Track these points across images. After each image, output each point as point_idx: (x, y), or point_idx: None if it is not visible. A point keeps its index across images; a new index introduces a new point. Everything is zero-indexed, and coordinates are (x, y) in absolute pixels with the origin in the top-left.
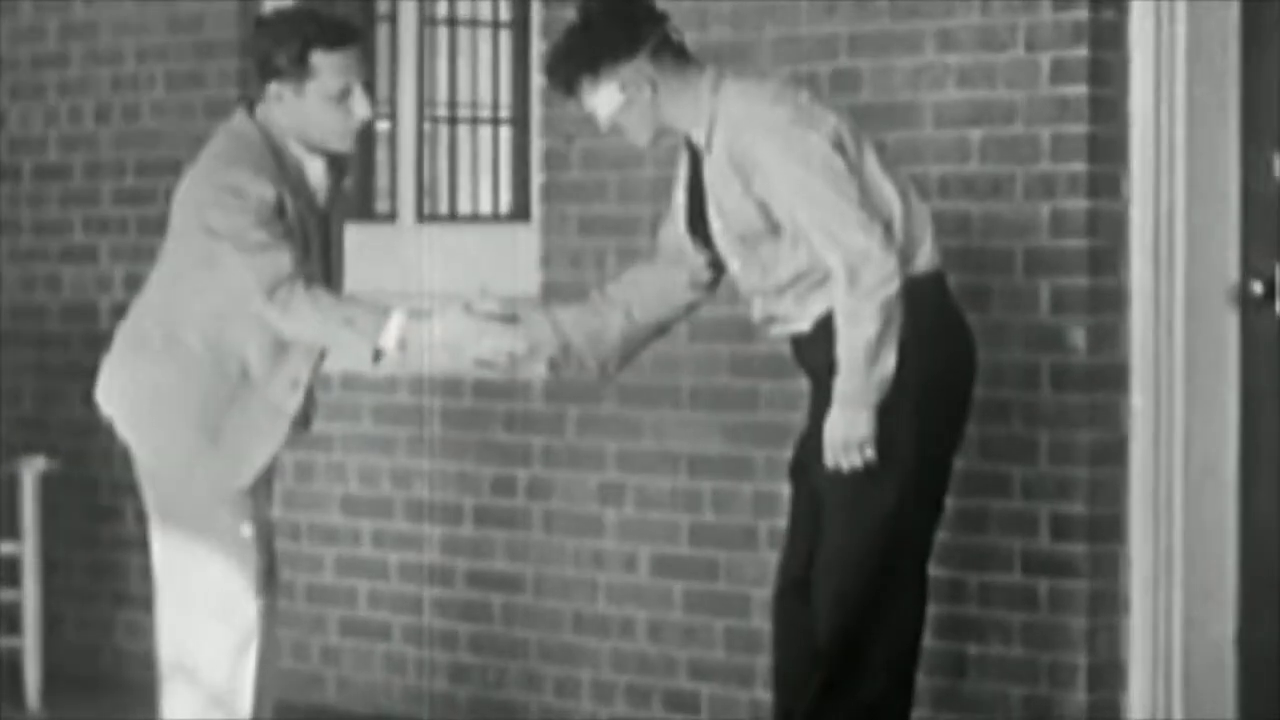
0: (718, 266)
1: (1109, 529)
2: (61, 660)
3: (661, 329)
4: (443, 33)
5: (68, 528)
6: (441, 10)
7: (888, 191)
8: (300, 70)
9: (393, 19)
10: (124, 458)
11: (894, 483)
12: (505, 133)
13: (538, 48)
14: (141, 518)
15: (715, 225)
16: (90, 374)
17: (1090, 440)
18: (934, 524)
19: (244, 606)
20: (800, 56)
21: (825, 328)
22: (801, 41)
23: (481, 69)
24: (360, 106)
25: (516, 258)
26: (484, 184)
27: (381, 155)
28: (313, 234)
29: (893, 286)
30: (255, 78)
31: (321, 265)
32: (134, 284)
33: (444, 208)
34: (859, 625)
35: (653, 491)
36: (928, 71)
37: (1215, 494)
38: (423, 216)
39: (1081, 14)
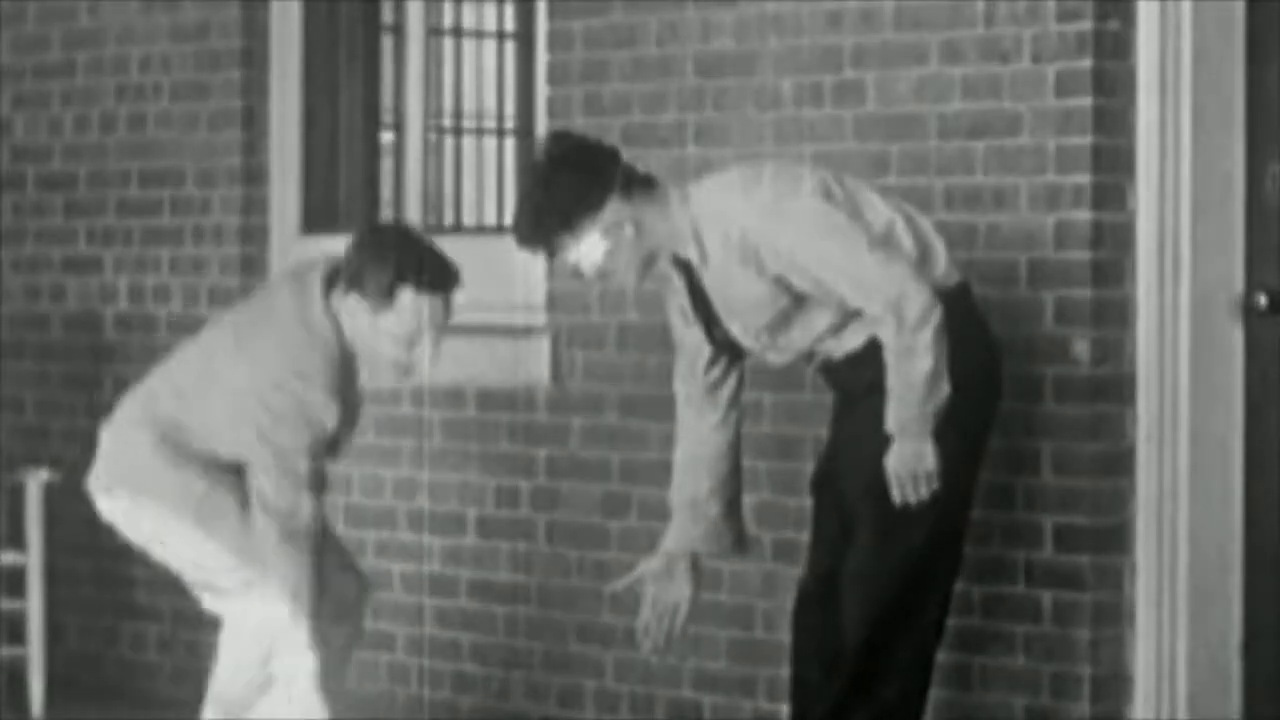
0: (730, 349)
1: (1113, 540)
2: (65, 670)
3: (737, 454)
4: (448, 43)
5: (71, 538)
6: (447, 20)
7: (895, 224)
8: (383, 300)
9: (398, 29)
10: None
11: (931, 500)
12: (510, 143)
13: (543, 59)
14: None
15: (735, 327)
16: (94, 384)
17: (1094, 452)
18: (962, 537)
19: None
20: (804, 67)
21: (862, 353)
22: (805, 52)
23: (486, 80)
24: (423, 355)
25: (521, 269)
26: (489, 195)
27: (386, 166)
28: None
29: (937, 314)
30: (343, 279)
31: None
32: (137, 294)
33: (449, 218)
34: (886, 631)
35: (656, 502)
36: (932, 83)
37: (1220, 505)
38: (428, 227)
39: (1086, 25)
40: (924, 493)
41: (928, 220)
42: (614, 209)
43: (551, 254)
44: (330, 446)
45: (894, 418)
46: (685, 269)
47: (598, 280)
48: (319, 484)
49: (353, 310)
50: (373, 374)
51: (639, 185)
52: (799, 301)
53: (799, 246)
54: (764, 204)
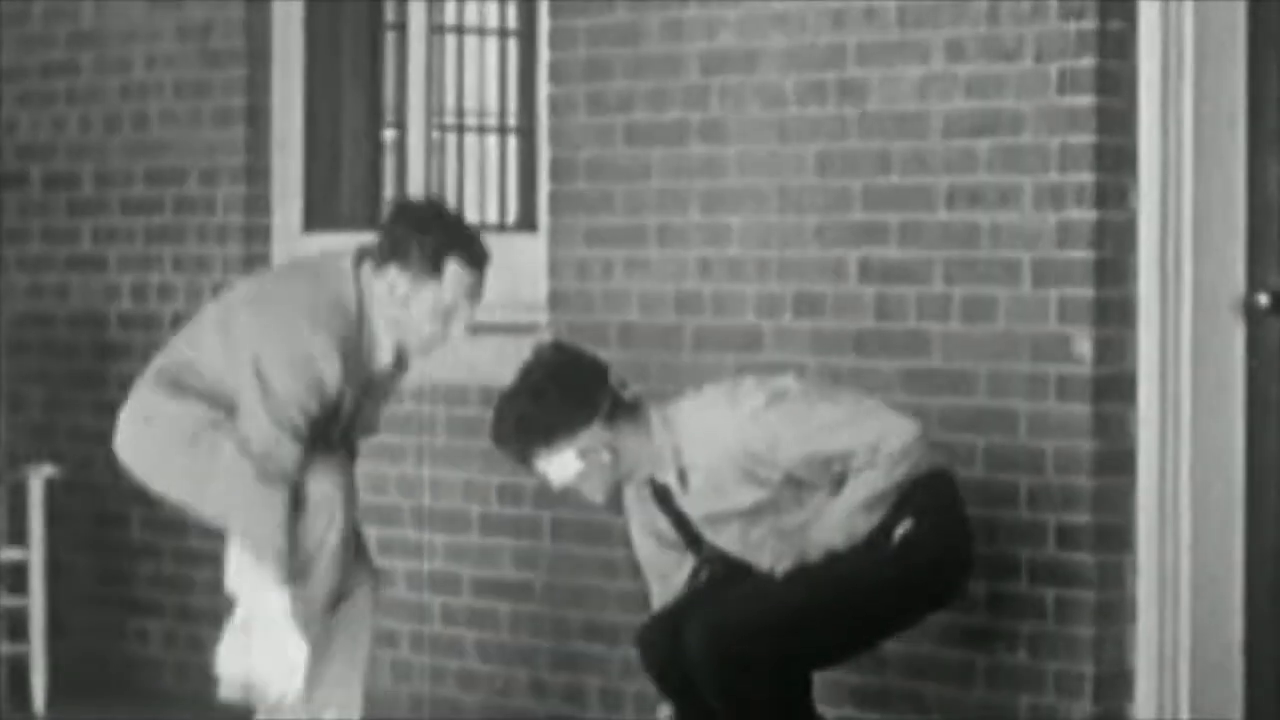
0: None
1: (1116, 538)
2: (68, 666)
3: None
4: (450, 41)
5: (74, 534)
6: (449, 18)
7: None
8: (429, 270)
9: (400, 26)
10: None
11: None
12: (512, 142)
13: (545, 57)
14: (147, 525)
15: (723, 540)
16: (98, 382)
17: (1097, 450)
18: (844, 647)
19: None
20: (808, 65)
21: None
22: (809, 50)
23: (489, 78)
24: (458, 327)
25: (523, 267)
26: (491, 193)
27: (389, 164)
28: (354, 396)
29: (917, 448)
30: (379, 252)
31: (351, 416)
32: (141, 293)
33: None
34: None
35: None
36: (936, 81)
37: (1221, 503)
38: None
39: (1089, 24)
40: (779, 570)
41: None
42: (594, 433)
43: (523, 463)
44: (335, 418)
45: (828, 507)
46: (661, 493)
47: (563, 494)
48: (302, 437)
49: (392, 281)
50: (401, 346)
51: (623, 410)
52: (797, 494)
53: (794, 443)
54: (755, 410)
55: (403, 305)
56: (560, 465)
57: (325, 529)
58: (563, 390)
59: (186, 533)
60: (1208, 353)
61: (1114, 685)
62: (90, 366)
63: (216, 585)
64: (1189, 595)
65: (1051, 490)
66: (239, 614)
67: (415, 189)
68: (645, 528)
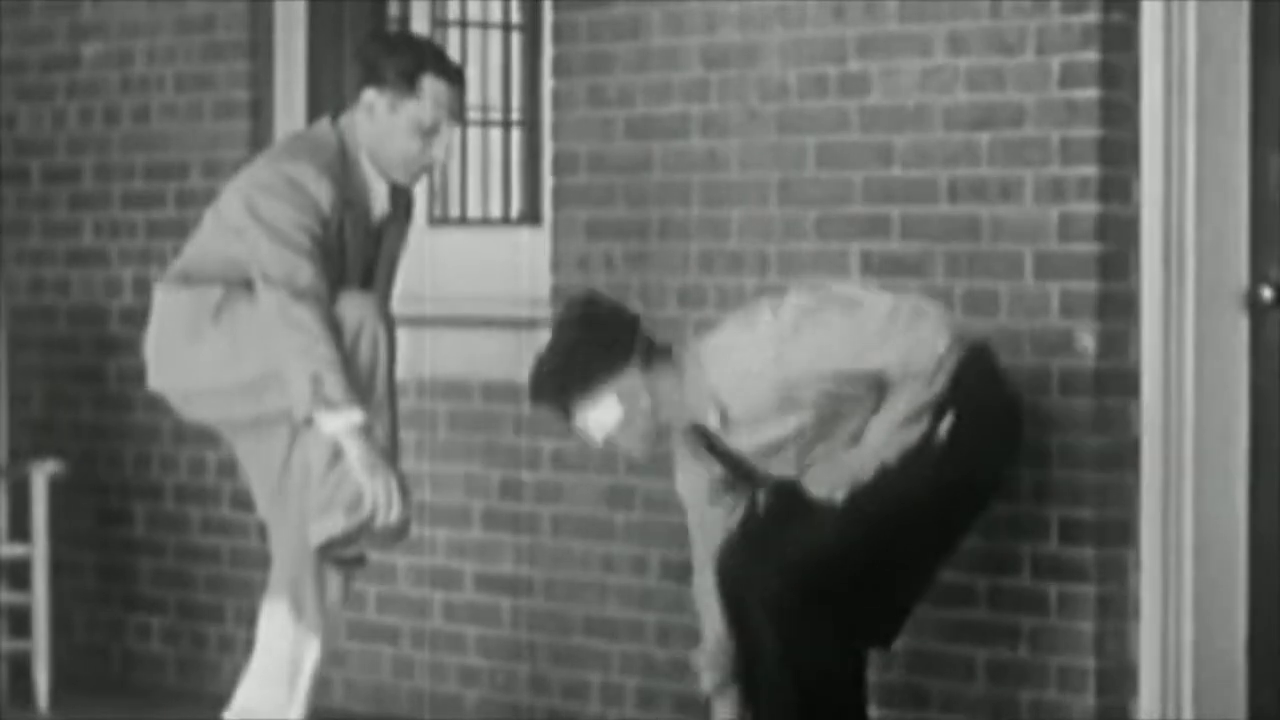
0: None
1: (1118, 533)
2: (71, 662)
3: None
4: (454, 35)
5: (77, 530)
6: (453, 12)
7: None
8: (405, 87)
9: (404, 21)
10: (133, 460)
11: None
12: (516, 136)
13: (549, 51)
14: (150, 521)
15: (775, 465)
16: (100, 377)
17: (1100, 445)
18: (922, 564)
19: None
20: (808, 59)
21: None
22: (810, 44)
23: (492, 72)
24: (440, 148)
25: (527, 261)
26: (494, 187)
27: None
28: (360, 246)
29: (951, 360)
30: (355, 83)
31: (363, 277)
32: (143, 287)
33: (454, 211)
34: (811, 595)
35: (661, 494)
36: (937, 74)
37: (1225, 498)
38: (433, 219)
39: (1092, 17)
40: (838, 497)
41: (920, 299)
42: (631, 377)
43: (566, 415)
44: (343, 268)
45: (872, 423)
46: (706, 439)
47: (606, 446)
48: (311, 255)
49: (370, 105)
50: (389, 173)
51: (657, 356)
52: (839, 406)
53: (816, 365)
54: (770, 342)
55: (381, 128)
56: (602, 412)
57: (371, 350)
58: (597, 336)
59: (189, 529)
60: (1211, 347)
61: (1116, 681)
62: (92, 361)
63: (219, 582)
64: (1192, 590)
65: (1054, 485)
66: (316, 460)
67: (419, 183)
68: (694, 487)
